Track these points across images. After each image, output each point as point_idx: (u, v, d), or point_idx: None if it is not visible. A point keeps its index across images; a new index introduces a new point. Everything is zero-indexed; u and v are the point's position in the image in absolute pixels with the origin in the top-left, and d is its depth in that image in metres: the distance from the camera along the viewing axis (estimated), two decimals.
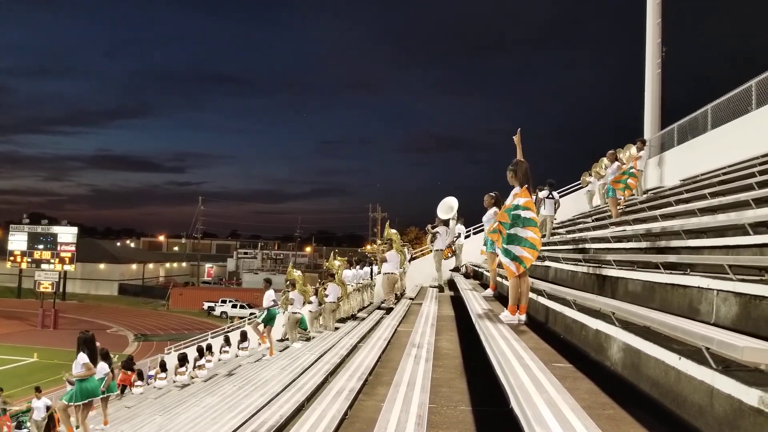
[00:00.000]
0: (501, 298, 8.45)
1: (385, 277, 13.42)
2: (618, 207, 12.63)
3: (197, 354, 18.02)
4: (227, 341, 20.38)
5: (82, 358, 9.70)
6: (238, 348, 19.24)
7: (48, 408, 16.87)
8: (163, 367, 18.84)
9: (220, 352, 19.86)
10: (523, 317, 6.02)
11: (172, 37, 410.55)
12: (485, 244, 8.64)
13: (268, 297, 14.53)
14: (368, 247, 64.29)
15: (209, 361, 17.87)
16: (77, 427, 10.18)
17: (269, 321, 14.50)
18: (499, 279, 8.91)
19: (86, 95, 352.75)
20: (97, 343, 10.47)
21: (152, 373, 20.13)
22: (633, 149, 14.48)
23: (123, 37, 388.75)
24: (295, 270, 15.77)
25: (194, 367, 17.41)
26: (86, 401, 10.00)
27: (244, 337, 19.36)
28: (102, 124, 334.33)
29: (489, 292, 8.84)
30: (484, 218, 8.76)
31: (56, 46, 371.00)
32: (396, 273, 13.58)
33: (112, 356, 11.88)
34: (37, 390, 17.79)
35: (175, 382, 17.54)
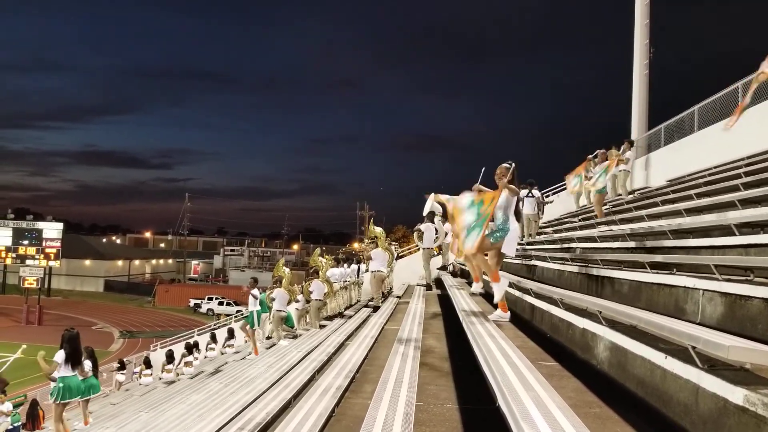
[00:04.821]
0: (487, 295, 8.45)
1: (372, 275, 13.41)
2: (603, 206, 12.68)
3: (185, 351, 17.90)
4: (213, 339, 20.26)
5: (59, 355, 9.55)
6: (224, 346, 19.16)
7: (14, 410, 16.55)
8: (147, 364, 18.72)
9: (207, 350, 19.75)
10: (507, 315, 6.08)
11: (158, 33, 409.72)
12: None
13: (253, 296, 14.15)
14: (356, 245, 64.13)
15: (196, 358, 17.77)
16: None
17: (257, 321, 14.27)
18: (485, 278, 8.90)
19: (72, 91, 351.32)
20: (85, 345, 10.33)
21: (137, 369, 19.98)
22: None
23: (110, 33, 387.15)
24: (284, 267, 15.34)
25: (181, 364, 17.30)
26: (68, 401, 9.82)
27: (230, 334, 19.25)
28: (88, 120, 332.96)
29: (477, 287, 8.83)
30: None
31: (43, 41, 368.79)
32: (384, 271, 13.55)
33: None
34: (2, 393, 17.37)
35: (160, 378, 17.44)
